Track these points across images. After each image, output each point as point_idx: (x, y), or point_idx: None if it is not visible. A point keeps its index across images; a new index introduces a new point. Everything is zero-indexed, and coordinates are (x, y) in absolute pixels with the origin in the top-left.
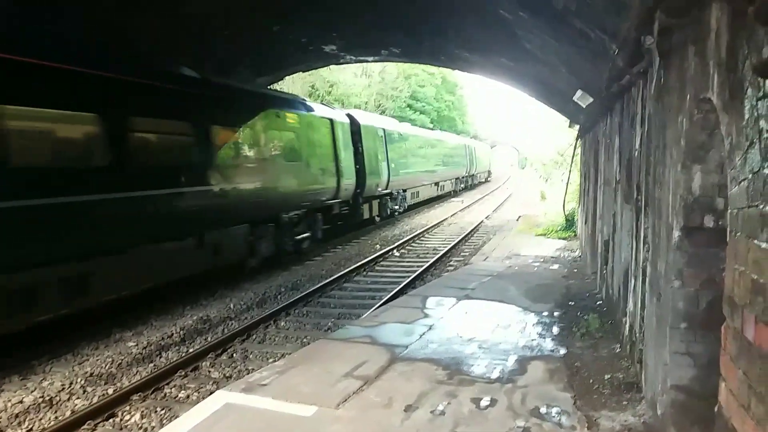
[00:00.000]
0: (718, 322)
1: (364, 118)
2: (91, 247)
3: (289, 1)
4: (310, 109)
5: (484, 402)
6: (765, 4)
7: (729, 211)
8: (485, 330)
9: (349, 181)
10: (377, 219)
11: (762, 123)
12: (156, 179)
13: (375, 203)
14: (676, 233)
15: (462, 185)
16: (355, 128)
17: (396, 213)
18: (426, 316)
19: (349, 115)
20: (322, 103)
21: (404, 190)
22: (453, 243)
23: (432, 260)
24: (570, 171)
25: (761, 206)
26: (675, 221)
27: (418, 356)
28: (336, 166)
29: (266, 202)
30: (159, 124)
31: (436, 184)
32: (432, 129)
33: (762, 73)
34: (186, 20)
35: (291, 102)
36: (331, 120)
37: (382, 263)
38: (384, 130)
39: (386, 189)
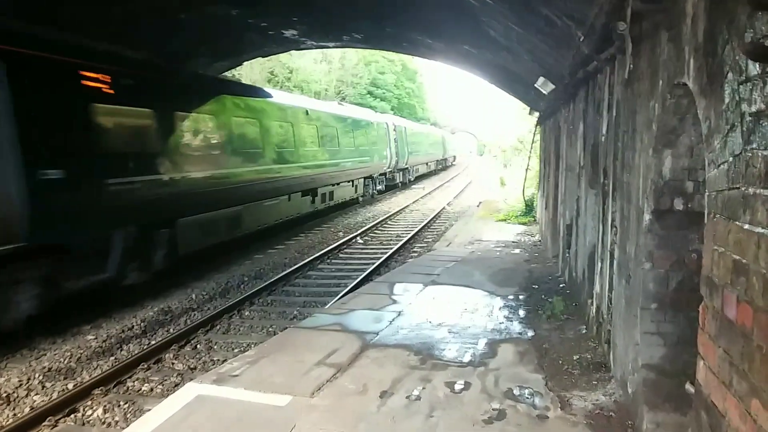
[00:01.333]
0: (687, 301)
1: (396, 120)
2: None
3: None
4: (380, 119)
5: (459, 386)
6: None
7: (707, 193)
8: (454, 314)
9: (393, 160)
10: (400, 184)
11: (744, 106)
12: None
13: (401, 173)
14: (647, 216)
15: (440, 166)
16: (392, 127)
17: (409, 180)
18: (394, 302)
19: (390, 119)
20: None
21: (412, 167)
22: (416, 229)
23: (396, 247)
24: (529, 157)
25: (743, 188)
26: (645, 204)
27: (390, 342)
28: (389, 150)
29: (370, 168)
30: (352, 134)
31: (426, 164)
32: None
33: (754, 55)
34: (142, 5)
35: (374, 115)
36: (386, 123)
37: (345, 251)
38: (405, 128)
39: (406, 165)
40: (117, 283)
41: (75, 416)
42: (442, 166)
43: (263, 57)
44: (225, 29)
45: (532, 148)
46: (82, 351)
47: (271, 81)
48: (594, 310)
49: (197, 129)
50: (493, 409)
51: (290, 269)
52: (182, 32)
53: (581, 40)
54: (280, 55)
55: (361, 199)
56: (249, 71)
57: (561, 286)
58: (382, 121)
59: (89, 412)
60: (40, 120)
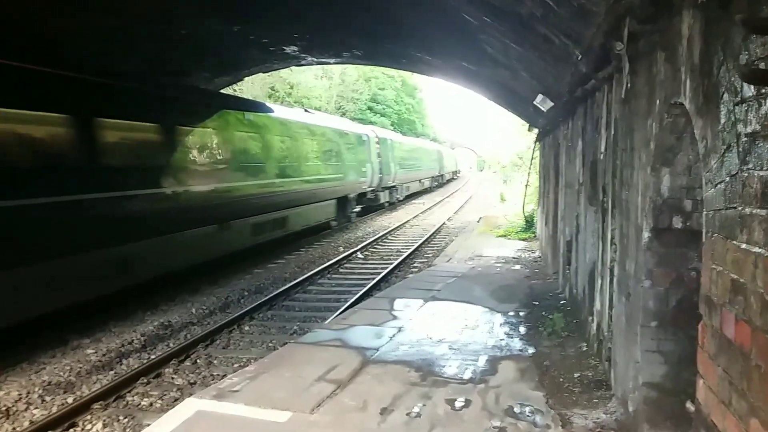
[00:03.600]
0: (687, 319)
1: (442, 148)
2: None
3: (249, 3)
4: (439, 146)
5: (459, 403)
6: (753, 12)
7: (704, 212)
8: (454, 331)
9: (447, 171)
10: (450, 180)
11: (740, 127)
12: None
13: (449, 175)
14: (646, 234)
15: (453, 177)
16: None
17: (453, 179)
18: (394, 318)
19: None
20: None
21: (447, 173)
22: (416, 245)
23: (396, 262)
24: (529, 173)
25: (740, 208)
26: (644, 222)
27: (390, 358)
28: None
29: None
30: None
31: (451, 172)
32: (408, 135)
33: (749, 78)
34: (140, 21)
35: (435, 144)
36: (438, 150)
37: (346, 265)
38: (442, 151)
39: (446, 172)
40: (390, 201)
41: (74, 431)
42: (454, 177)
43: (264, 72)
44: (226, 45)
45: (531, 164)
46: (81, 365)
47: (271, 96)
48: (594, 328)
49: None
50: (493, 427)
51: (290, 284)
52: (182, 47)
53: (579, 58)
54: (281, 70)
55: (429, 186)
56: (250, 87)
57: (562, 302)
58: (437, 149)
59: (89, 426)
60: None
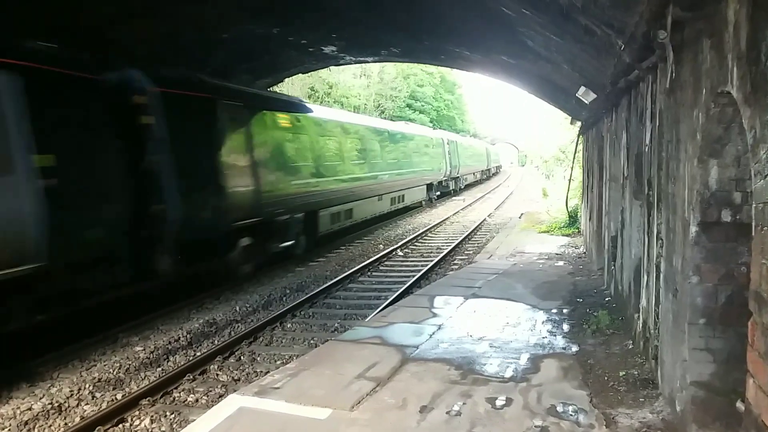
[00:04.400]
0: (738, 317)
1: (489, 146)
2: None
3: (289, 4)
4: (486, 144)
5: (500, 401)
6: None
7: (754, 205)
8: (495, 328)
9: (492, 165)
10: (493, 174)
11: None
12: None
13: (494, 170)
14: (693, 228)
15: (496, 171)
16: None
17: (495, 174)
18: (434, 315)
19: (485, 143)
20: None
21: (493, 167)
22: (456, 241)
23: (436, 259)
24: (572, 168)
25: None
26: (692, 216)
27: (430, 356)
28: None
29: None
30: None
31: (495, 167)
32: (456, 132)
33: None
34: (183, 25)
35: (483, 142)
36: (486, 148)
37: (386, 263)
38: (489, 149)
39: (492, 166)
40: (455, 189)
41: (123, 426)
42: (496, 171)
43: (303, 73)
44: (266, 47)
45: (574, 158)
46: (130, 362)
47: (311, 97)
48: (640, 325)
49: None
50: (535, 426)
51: (331, 282)
52: (224, 50)
53: (622, 48)
54: (320, 70)
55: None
56: (290, 87)
57: (607, 299)
58: (485, 147)
59: (137, 422)
60: None
